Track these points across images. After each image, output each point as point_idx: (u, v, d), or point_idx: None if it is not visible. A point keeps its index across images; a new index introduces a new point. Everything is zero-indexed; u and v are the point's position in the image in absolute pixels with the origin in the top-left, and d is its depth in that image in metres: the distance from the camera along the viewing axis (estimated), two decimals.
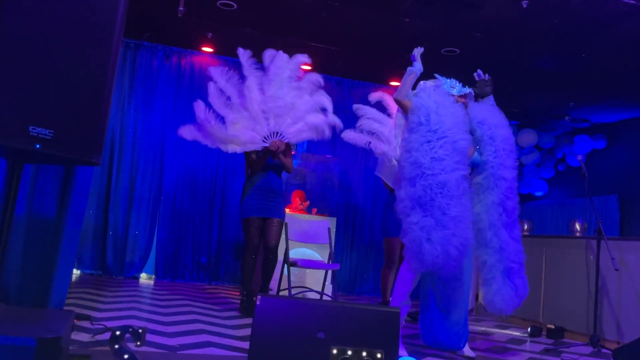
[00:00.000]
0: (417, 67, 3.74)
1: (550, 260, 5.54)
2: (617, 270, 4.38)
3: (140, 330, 2.18)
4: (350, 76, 7.83)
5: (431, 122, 3.47)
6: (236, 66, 7.07)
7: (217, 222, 7.20)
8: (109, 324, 3.43)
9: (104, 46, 2.08)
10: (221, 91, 4.75)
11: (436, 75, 3.80)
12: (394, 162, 4.63)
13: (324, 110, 4.83)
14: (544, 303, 5.51)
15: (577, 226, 5.52)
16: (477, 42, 6.24)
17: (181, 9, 5.18)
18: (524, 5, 5.16)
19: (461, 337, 3.77)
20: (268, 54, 4.82)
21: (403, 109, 3.66)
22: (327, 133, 4.84)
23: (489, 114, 3.80)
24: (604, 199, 8.94)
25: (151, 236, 6.95)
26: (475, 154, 3.71)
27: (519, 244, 3.67)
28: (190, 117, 7.09)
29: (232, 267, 7.20)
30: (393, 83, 7.75)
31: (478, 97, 3.86)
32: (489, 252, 3.62)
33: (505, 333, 5.12)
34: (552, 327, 5.07)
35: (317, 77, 4.90)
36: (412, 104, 3.59)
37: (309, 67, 7.50)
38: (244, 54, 4.78)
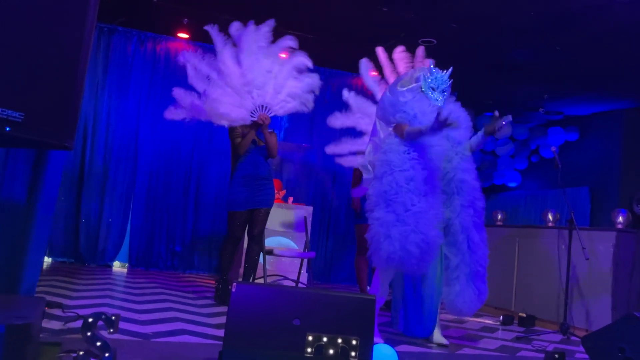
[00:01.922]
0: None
1: (523, 249, 5.63)
2: (587, 259, 4.47)
3: (113, 317, 2.15)
4: (328, 65, 7.80)
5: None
6: (211, 52, 7.01)
7: (192, 211, 7.14)
8: (81, 311, 3.38)
9: (76, 26, 2.02)
10: (199, 72, 4.71)
11: (431, 65, 3.75)
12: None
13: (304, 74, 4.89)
14: (516, 292, 5.60)
15: (550, 216, 5.60)
16: (455, 33, 6.27)
17: None
18: None
19: (429, 327, 3.81)
20: (235, 26, 4.79)
21: (399, 133, 3.63)
22: (311, 103, 4.86)
23: (459, 120, 3.80)
24: (576, 191, 9.10)
25: (125, 224, 6.87)
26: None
27: (486, 248, 3.70)
28: (165, 104, 7.02)
29: (207, 255, 7.15)
30: (372, 73, 7.74)
31: (489, 133, 3.81)
32: (456, 252, 3.63)
33: (478, 321, 5.19)
34: (524, 315, 5.15)
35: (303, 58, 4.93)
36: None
37: (284, 56, 7.48)
38: (213, 29, 4.74)
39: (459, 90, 8.42)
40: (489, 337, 4.39)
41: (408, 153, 3.48)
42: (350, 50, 7.15)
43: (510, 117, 3.67)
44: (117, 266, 6.82)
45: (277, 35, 6.75)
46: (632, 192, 6.92)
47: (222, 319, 3.79)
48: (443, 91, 3.69)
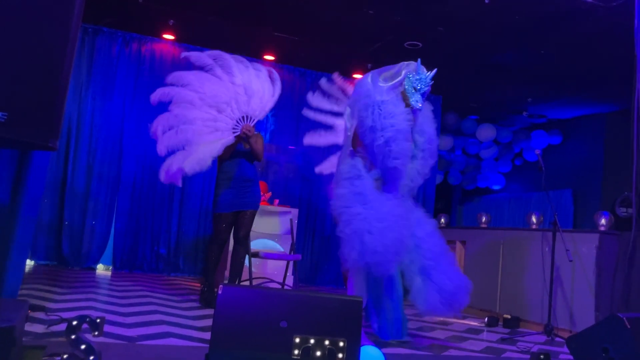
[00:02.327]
0: None
1: (507, 251, 5.66)
2: (571, 261, 4.51)
3: (98, 320, 2.13)
4: (314, 67, 7.81)
5: (373, 134, 3.52)
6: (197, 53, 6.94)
7: (177, 213, 7.10)
8: (65, 314, 3.34)
9: (61, 25, 2.00)
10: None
11: (417, 65, 3.73)
12: None
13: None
14: (501, 294, 5.64)
15: (534, 219, 5.64)
16: (440, 36, 6.31)
17: None
18: (486, 1, 5.24)
19: (401, 328, 3.84)
20: (211, 54, 4.70)
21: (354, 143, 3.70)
22: (278, 89, 4.73)
23: (428, 124, 3.84)
24: (559, 193, 9.19)
25: (109, 226, 6.81)
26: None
27: (434, 238, 3.71)
28: (151, 106, 6.99)
29: (192, 258, 7.11)
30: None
31: None
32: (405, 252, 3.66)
33: (463, 323, 5.22)
34: (509, 317, 5.19)
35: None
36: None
37: (272, 58, 7.48)
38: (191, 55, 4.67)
39: (444, 93, 8.50)
40: (474, 338, 4.41)
41: (370, 156, 3.59)
42: (336, 53, 7.18)
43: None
44: (101, 269, 6.75)
45: (264, 37, 6.77)
46: (615, 194, 6.97)
47: (208, 322, 3.77)
48: (423, 93, 3.68)
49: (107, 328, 3.15)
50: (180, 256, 7.07)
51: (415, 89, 3.61)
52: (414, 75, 3.63)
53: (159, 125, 4.51)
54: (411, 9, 5.69)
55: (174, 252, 7.05)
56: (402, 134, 3.45)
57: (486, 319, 5.21)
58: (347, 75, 7.86)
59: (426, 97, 3.74)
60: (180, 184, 4.59)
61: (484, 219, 6.43)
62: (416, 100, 3.60)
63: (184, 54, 4.74)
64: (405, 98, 3.62)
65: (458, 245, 6.48)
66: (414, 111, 3.65)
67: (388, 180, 3.53)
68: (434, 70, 3.68)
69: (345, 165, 3.66)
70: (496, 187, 10.76)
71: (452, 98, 8.63)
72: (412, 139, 3.65)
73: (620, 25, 5.32)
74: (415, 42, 6.55)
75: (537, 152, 5.04)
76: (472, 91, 8.49)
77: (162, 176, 4.53)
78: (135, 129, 6.92)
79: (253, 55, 7.42)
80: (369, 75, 3.72)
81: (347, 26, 6.29)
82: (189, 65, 7.21)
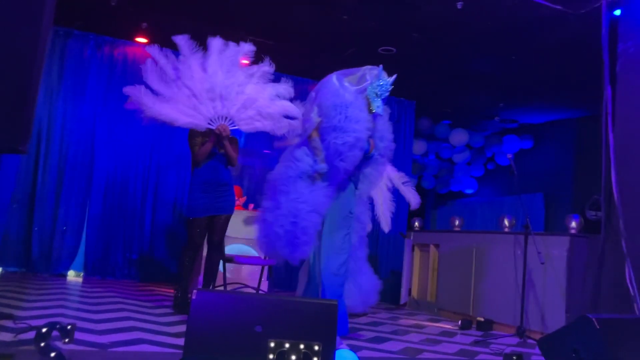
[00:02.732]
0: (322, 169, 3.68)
1: (480, 255, 5.73)
2: (542, 264, 4.58)
3: (68, 327, 2.09)
4: (288, 72, 7.76)
5: (332, 136, 3.58)
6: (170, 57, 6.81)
7: (150, 218, 7.01)
8: (34, 322, 3.27)
9: (31, 28, 1.98)
10: (159, 70, 4.44)
11: (379, 71, 3.78)
12: None
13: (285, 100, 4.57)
14: (474, 296, 5.69)
15: (506, 222, 5.72)
16: (414, 42, 6.36)
17: None
18: (459, 7, 5.30)
19: (347, 324, 3.94)
20: (213, 42, 4.53)
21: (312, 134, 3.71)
22: (283, 129, 4.40)
23: (387, 130, 3.91)
24: (530, 197, 9.34)
25: (80, 232, 6.69)
26: (374, 150, 3.81)
27: (363, 245, 3.81)
28: (123, 110, 6.88)
29: (166, 264, 7.03)
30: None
31: None
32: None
33: (437, 326, 5.26)
34: (482, 319, 5.24)
35: (269, 69, 4.69)
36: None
37: (246, 62, 7.45)
38: (182, 39, 4.47)
39: (418, 98, 8.58)
40: (447, 341, 4.45)
41: (307, 155, 3.59)
42: (311, 58, 7.19)
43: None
44: (72, 275, 6.63)
45: (238, 41, 6.74)
46: (585, 198, 7.12)
47: (182, 328, 3.73)
48: (383, 99, 3.75)
49: (78, 335, 3.08)
50: (153, 262, 6.98)
51: (377, 94, 3.70)
52: (377, 81, 3.71)
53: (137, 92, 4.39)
54: (385, 15, 5.73)
55: (147, 258, 6.96)
56: (360, 142, 3.55)
57: (460, 322, 5.25)
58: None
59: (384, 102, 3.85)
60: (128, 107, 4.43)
61: (457, 223, 6.50)
62: (378, 106, 3.68)
63: (173, 38, 4.50)
64: (368, 103, 3.67)
65: (432, 248, 6.53)
66: (375, 116, 3.72)
67: (329, 177, 3.58)
68: (394, 76, 3.76)
69: (297, 151, 3.70)
70: (469, 191, 10.89)
71: (426, 103, 8.72)
72: (372, 143, 3.73)
73: (589, 32, 5.43)
74: (389, 48, 6.60)
75: (509, 156, 5.12)
76: (445, 96, 8.58)
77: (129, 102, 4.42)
78: (108, 133, 6.83)
79: None
80: (334, 76, 3.78)
81: (322, 31, 6.31)
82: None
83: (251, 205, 6.87)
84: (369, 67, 3.79)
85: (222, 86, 4.40)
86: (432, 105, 8.90)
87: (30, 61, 1.93)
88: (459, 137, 9.81)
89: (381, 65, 3.76)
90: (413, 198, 5.42)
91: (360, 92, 3.67)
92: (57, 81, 6.71)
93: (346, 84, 3.69)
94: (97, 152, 6.78)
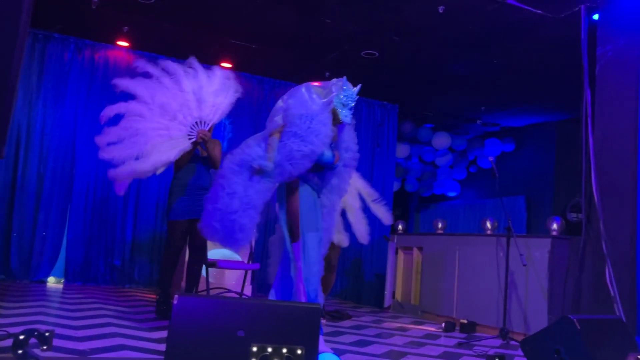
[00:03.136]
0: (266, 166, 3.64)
1: (463, 257, 5.76)
2: (524, 265, 4.61)
3: (47, 334, 2.05)
4: (272, 75, 7.79)
5: (293, 142, 3.58)
6: (152, 62, 6.77)
7: (132, 223, 6.94)
8: (13, 330, 3.21)
9: (8, 31, 1.95)
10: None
11: (344, 80, 3.84)
12: None
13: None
14: (458, 299, 5.72)
15: (488, 224, 5.76)
16: (396, 46, 6.39)
17: (95, 0, 4.97)
18: (440, 11, 5.34)
19: None
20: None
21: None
22: (233, 90, 4.53)
23: (352, 141, 3.94)
24: (512, 200, 9.42)
25: (60, 237, 6.60)
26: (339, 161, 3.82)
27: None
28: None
29: (148, 269, 6.97)
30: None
31: None
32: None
33: (421, 329, 5.27)
34: (465, 322, 5.26)
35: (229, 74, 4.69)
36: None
37: (229, 65, 7.44)
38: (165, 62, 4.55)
39: (401, 102, 8.62)
40: (431, 343, 4.46)
41: (259, 146, 3.62)
42: (294, 61, 7.19)
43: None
44: (52, 282, 6.54)
45: (221, 44, 6.72)
46: (566, 200, 7.20)
47: (164, 333, 3.69)
48: (350, 108, 3.80)
49: (57, 342, 3.04)
50: (135, 267, 6.92)
51: (344, 105, 3.76)
52: (342, 92, 3.77)
53: (105, 138, 4.36)
54: (367, 19, 5.75)
55: (129, 263, 6.89)
56: (313, 155, 3.59)
57: (443, 324, 5.27)
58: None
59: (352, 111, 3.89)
60: (122, 193, 4.47)
61: (440, 225, 6.52)
62: (345, 115, 3.74)
63: (135, 63, 4.62)
64: (335, 114, 3.73)
65: (415, 251, 6.55)
66: (342, 127, 3.80)
67: (273, 175, 3.60)
68: (359, 86, 3.82)
69: (251, 139, 3.73)
70: (452, 194, 10.95)
71: (409, 107, 8.76)
72: (337, 155, 3.77)
73: (569, 36, 5.49)
74: (371, 52, 6.62)
75: (491, 159, 5.16)
76: (427, 100, 8.63)
77: (117, 189, 4.49)
78: (88, 137, 6.74)
79: (210, 62, 7.32)
80: (304, 87, 3.84)
81: (305, 35, 6.31)
82: (142, 74, 7.08)
83: None
84: (335, 79, 3.87)
85: (172, 100, 4.42)
86: (414, 108, 8.95)
87: (6, 64, 1.90)
88: (441, 140, 9.86)
89: (344, 77, 3.83)
90: (384, 216, 5.42)
91: (326, 105, 3.73)
92: (37, 85, 6.62)
93: (314, 95, 3.74)
94: (78, 156, 6.70)
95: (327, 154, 3.67)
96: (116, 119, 4.48)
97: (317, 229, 3.67)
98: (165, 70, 4.53)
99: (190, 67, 4.61)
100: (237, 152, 3.61)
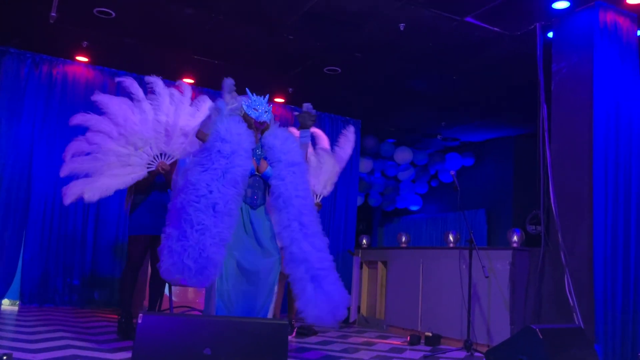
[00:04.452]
0: (221, 104, 3.78)
1: (427, 270, 5.81)
2: (487, 277, 4.69)
3: (4, 358, 1.98)
4: (236, 91, 7.75)
5: (214, 148, 3.61)
6: (112, 77, 6.70)
7: (92, 241, 6.78)
8: None
9: None
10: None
11: (247, 91, 3.90)
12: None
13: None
14: (422, 312, 5.76)
15: (451, 237, 5.84)
16: (358, 62, 6.47)
17: (53, 14, 4.87)
18: (401, 28, 5.44)
19: None
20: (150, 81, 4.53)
21: (202, 139, 3.73)
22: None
23: (281, 140, 3.91)
24: (473, 213, 9.58)
25: (16, 257, 6.38)
26: (268, 168, 3.82)
27: (324, 253, 3.81)
28: (62, 129, 6.66)
29: (109, 289, 6.80)
30: (277, 100, 7.81)
31: (301, 126, 4.02)
32: (295, 265, 3.69)
33: (387, 343, 5.28)
34: (430, 334, 5.30)
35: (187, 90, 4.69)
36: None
37: (191, 81, 7.39)
38: (131, 83, 4.47)
39: (363, 117, 8.70)
40: (397, 357, 4.47)
41: (205, 173, 3.57)
42: (257, 77, 7.19)
43: (309, 104, 4.01)
44: (7, 304, 6.30)
45: (181, 60, 6.68)
46: (525, 212, 7.39)
47: (128, 354, 3.61)
48: (265, 111, 3.85)
49: None
50: (95, 287, 6.74)
51: (255, 109, 3.82)
52: (247, 100, 3.85)
53: (71, 149, 4.37)
54: (330, 35, 5.81)
55: (89, 283, 6.71)
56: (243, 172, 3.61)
57: (408, 338, 5.30)
58: (269, 100, 7.89)
59: (270, 115, 3.91)
60: (67, 203, 4.35)
61: (403, 239, 6.58)
62: (259, 114, 3.79)
63: (118, 79, 4.53)
64: (247, 119, 3.78)
65: (379, 265, 6.58)
66: (259, 124, 3.80)
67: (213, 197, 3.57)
68: (267, 96, 3.90)
69: (180, 179, 3.75)
70: (414, 208, 11.08)
71: (371, 122, 8.85)
72: (263, 164, 3.77)
73: (525, 53, 5.67)
74: (334, 68, 6.68)
75: (452, 173, 5.24)
76: (389, 115, 8.74)
77: (64, 198, 4.34)
78: (46, 154, 6.59)
79: (171, 78, 7.26)
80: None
81: (268, 50, 6.32)
82: (104, 87, 6.97)
83: None
84: (241, 96, 3.95)
85: (154, 130, 4.39)
86: (377, 124, 9.05)
87: None
88: (403, 155, 9.99)
89: (247, 88, 3.94)
90: None
91: (239, 120, 3.78)
92: None
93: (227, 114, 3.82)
94: (34, 174, 6.52)
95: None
96: (80, 129, 4.43)
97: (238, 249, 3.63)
98: (151, 92, 4.46)
99: (180, 91, 4.60)
100: (188, 186, 3.53)
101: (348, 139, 5.61)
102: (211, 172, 3.54)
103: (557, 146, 4.80)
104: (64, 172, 4.32)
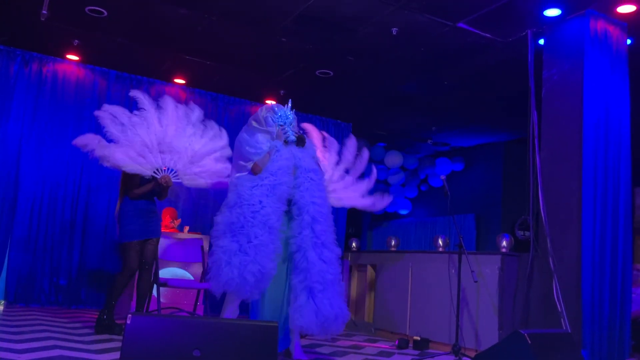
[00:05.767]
0: (279, 144, 3.95)
1: (416, 274, 5.82)
2: (476, 282, 4.70)
3: None
4: (226, 92, 7.76)
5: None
6: (103, 76, 6.66)
7: (79, 241, 6.72)
8: None
9: None
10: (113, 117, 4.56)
11: (272, 105, 4.00)
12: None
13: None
14: (411, 316, 5.76)
15: (440, 242, 5.85)
16: (351, 65, 6.48)
17: (44, 12, 4.84)
18: (394, 32, 5.46)
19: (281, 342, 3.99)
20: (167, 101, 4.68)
21: (256, 173, 3.87)
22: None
23: (300, 150, 4.04)
24: (462, 218, 9.62)
25: (1, 256, 6.31)
26: None
27: (330, 265, 3.85)
28: (52, 128, 6.62)
29: (95, 288, 6.74)
30: (269, 101, 7.80)
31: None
32: (295, 273, 3.81)
33: (375, 346, 5.28)
34: (418, 338, 5.30)
35: (199, 113, 4.80)
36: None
37: (183, 81, 7.37)
38: (139, 94, 4.61)
39: (354, 120, 8.72)
40: None
41: (256, 188, 3.77)
42: (249, 79, 7.19)
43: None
44: None
45: (173, 60, 6.66)
46: (514, 217, 7.41)
47: (115, 355, 3.58)
48: (290, 124, 4.00)
49: None
50: (82, 287, 6.68)
51: (281, 125, 3.97)
52: (273, 115, 3.99)
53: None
54: (322, 38, 5.81)
55: (76, 283, 6.65)
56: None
57: (397, 342, 5.30)
58: (259, 101, 7.90)
59: (295, 126, 4.07)
60: (74, 142, 4.69)
61: (393, 243, 6.58)
62: (287, 134, 3.96)
63: (132, 93, 4.66)
64: (280, 136, 3.97)
65: (369, 269, 6.58)
66: (304, 148, 4.02)
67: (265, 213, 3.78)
68: (289, 102, 4.02)
69: (231, 193, 3.91)
70: (403, 212, 11.10)
71: (362, 125, 8.87)
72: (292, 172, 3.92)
73: (516, 59, 5.70)
74: (326, 71, 6.68)
75: (442, 177, 5.26)
76: (380, 119, 8.76)
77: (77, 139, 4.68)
78: (35, 152, 6.53)
79: (163, 78, 7.27)
80: (244, 130, 4.07)
81: (260, 53, 6.32)
82: (94, 87, 6.95)
83: (187, 228, 6.75)
84: (264, 106, 4.11)
85: (173, 140, 4.57)
86: (367, 127, 9.06)
87: None
88: (393, 159, 10.01)
89: (276, 106, 4.07)
90: None
91: (267, 133, 3.98)
92: None
93: (253, 129, 4.00)
94: (22, 172, 6.45)
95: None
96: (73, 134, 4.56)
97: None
98: (158, 106, 4.62)
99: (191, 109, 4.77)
100: (242, 201, 3.74)
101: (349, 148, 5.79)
102: (261, 188, 3.75)
103: (546, 152, 4.83)
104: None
